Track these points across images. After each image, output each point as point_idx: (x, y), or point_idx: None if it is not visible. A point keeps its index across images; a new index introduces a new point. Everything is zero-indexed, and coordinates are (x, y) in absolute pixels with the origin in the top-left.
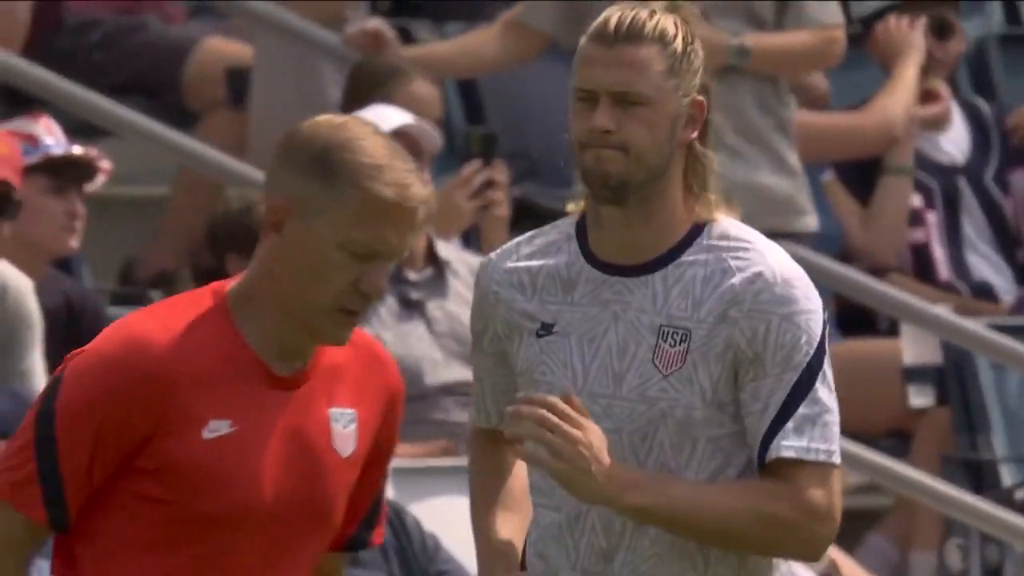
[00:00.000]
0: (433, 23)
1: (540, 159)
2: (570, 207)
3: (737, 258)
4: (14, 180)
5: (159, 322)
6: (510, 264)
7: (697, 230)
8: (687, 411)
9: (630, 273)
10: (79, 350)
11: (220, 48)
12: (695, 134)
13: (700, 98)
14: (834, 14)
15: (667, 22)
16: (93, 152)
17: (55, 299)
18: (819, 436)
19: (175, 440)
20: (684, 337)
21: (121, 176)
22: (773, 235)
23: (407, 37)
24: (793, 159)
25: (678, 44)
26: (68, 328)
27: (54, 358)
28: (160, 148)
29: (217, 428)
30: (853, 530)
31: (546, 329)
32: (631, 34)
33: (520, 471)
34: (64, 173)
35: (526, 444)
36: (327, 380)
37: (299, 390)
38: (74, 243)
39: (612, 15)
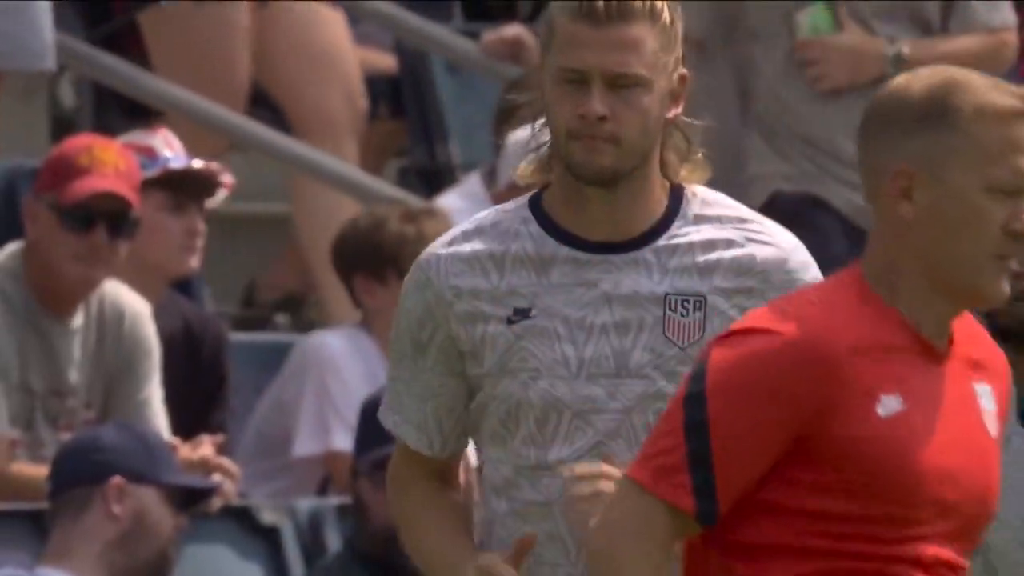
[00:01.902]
0: None
1: None
2: (521, 172)
3: (741, 228)
4: (132, 197)
5: (808, 303)
6: (463, 253)
7: (676, 199)
8: None
9: (617, 251)
10: (721, 334)
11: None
12: (680, 108)
13: (684, 72)
14: (1005, 15)
15: None
16: (214, 166)
17: (173, 323)
18: None
19: (848, 420)
20: (698, 305)
21: (244, 192)
22: None
23: None
24: None
25: (666, 17)
26: (187, 354)
27: (172, 386)
28: (287, 162)
29: (890, 405)
30: None
31: (521, 314)
32: (623, 11)
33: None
34: (184, 188)
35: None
36: (962, 354)
37: (947, 365)
38: (194, 263)
39: None
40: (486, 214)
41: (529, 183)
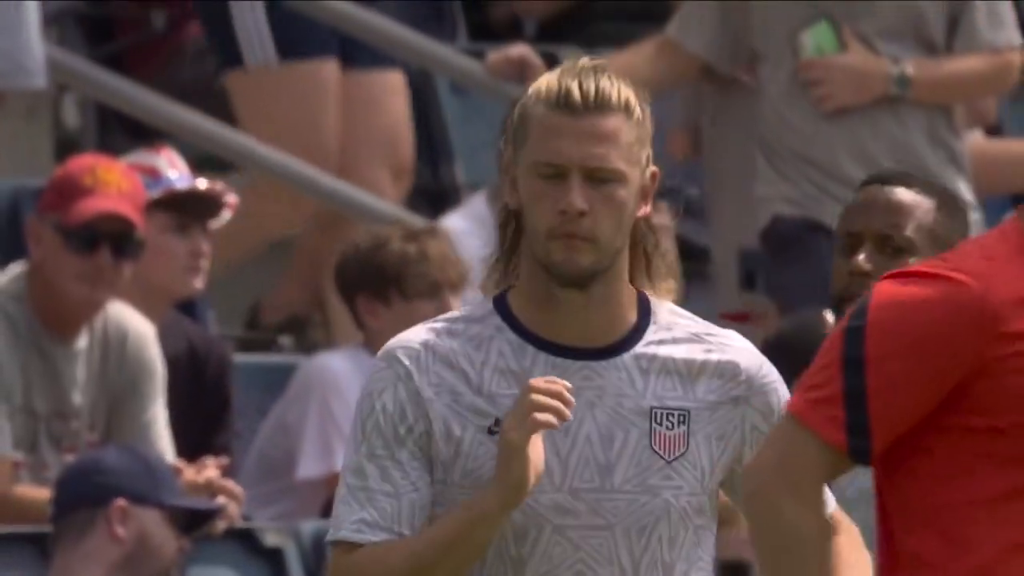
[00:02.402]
0: (581, 49)
1: (698, 196)
2: (487, 287)
3: (712, 336)
4: (136, 218)
5: (973, 254)
6: (442, 350)
7: (644, 304)
8: (690, 498)
9: (596, 357)
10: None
11: None
12: (649, 207)
13: (655, 169)
14: (1010, 36)
15: (627, 88)
16: (219, 186)
17: (178, 345)
18: None
19: (1011, 372)
20: (683, 419)
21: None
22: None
23: (554, 64)
24: (966, 192)
25: (638, 111)
26: (191, 376)
27: (176, 408)
28: (285, 180)
29: None
30: None
31: (501, 424)
32: (600, 103)
33: None
34: (188, 209)
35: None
36: None
37: None
38: (198, 284)
39: (570, 82)
40: (453, 317)
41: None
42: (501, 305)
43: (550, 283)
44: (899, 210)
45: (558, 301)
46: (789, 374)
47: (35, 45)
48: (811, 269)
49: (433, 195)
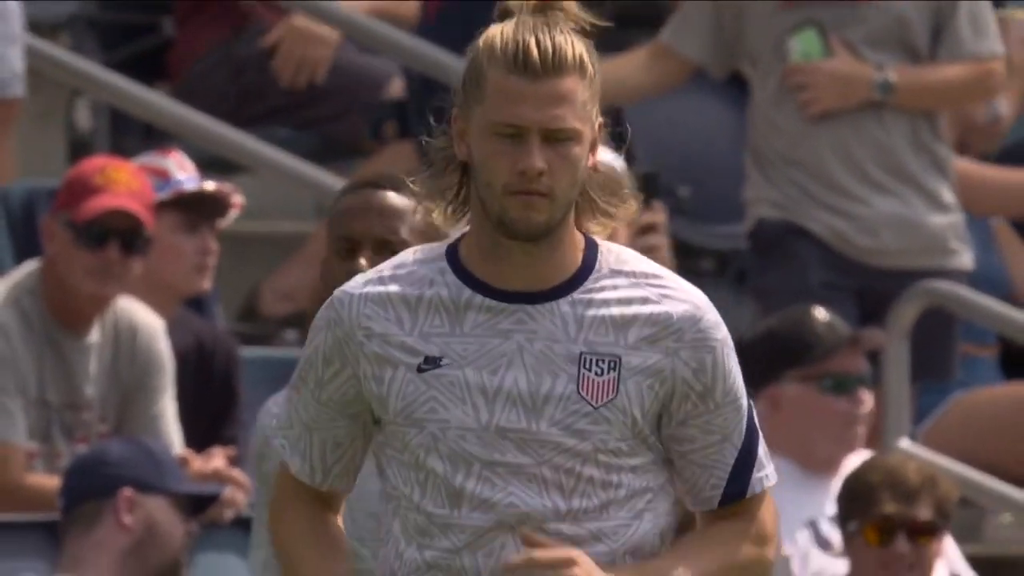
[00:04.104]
0: None
1: (689, 195)
2: (438, 221)
3: (656, 285)
4: (144, 215)
5: None
6: (377, 294)
7: (592, 252)
8: (619, 443)
9: (532, 301)
10: None
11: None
12: (596, 156)
13: (602, 120)
14: (992, 45)
15: (580, 45)
16: (226, 187)
17: (185, 340)
18: (768, 458)
19: None
20: (613, 365)
21: (256, 211)
22: (925, 274)
23: None
24: (948, 196)
25: (591, 68)
26: (199, 370)
27: (184, 401)
28: (296, 183)
29: None
30: None
31: (431, 363)
32: (558, 65)
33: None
34: (196, 209)
35: None
36: None
37: None
38: (206, 283)
39: (528, 41)
40: (403, 260)
41: (446, 229)
42: (451, 250)
43: (497, 235)
44: (393, 214)
45: (506, 251)
46: (780, 366)
47: (12, 57)
48: (792, 272)
49: None
